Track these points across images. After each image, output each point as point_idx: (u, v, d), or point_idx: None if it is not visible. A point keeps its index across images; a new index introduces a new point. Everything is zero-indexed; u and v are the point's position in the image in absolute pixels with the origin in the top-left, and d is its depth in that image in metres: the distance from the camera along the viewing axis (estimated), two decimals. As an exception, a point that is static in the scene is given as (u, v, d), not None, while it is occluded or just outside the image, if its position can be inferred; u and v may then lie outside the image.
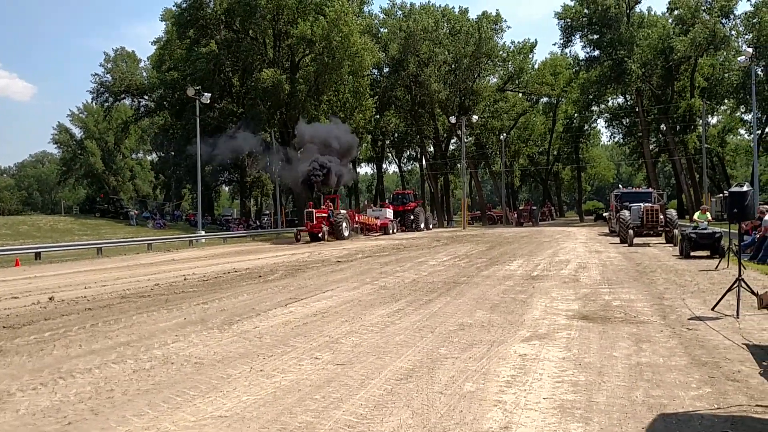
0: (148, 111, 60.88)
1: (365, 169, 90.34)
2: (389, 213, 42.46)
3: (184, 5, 46.25)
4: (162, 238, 33.60)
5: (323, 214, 32.65)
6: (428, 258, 18.90)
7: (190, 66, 45.52)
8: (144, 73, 63.93)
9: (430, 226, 49.39)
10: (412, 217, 45.78)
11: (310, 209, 32.65)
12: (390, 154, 76.01)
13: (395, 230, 41.22)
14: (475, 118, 53.88)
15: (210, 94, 38.87)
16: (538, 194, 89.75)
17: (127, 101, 63.17)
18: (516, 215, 57.55)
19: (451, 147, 67.16)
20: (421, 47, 54.58)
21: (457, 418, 4.36)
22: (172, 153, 57.57)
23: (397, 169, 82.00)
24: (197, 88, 38.19)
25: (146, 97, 59.93)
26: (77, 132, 79.61)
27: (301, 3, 45.10)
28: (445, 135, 63.67)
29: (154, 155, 78.16)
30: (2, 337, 7.58)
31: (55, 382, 5.44)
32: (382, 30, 58.43)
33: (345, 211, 35.89)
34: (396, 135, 68.24)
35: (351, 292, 11.32)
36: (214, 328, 7.95)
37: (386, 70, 59.12)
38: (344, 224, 33.18)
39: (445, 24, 58.56)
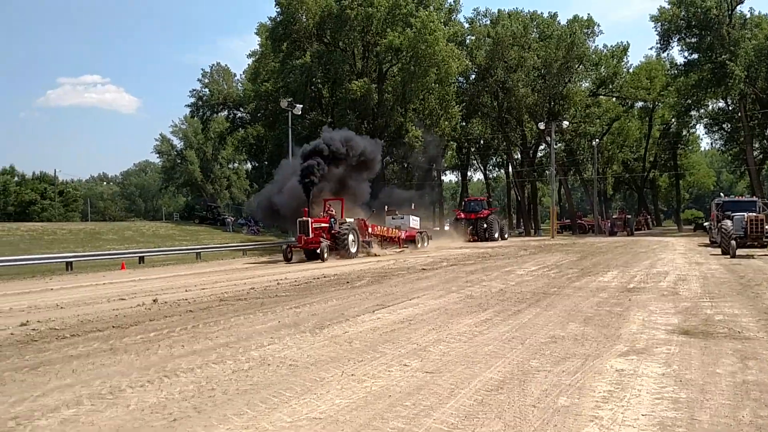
0: (243, 122, 63.50)
1: (450, 177, 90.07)
2: (415, 221, 35.44)
3: (278, 19, 48.01)
4: (254, 243, 34.96)
5: (322, 224, 25.59)
6: (515, 267, 18.56)
7: (283, 78, 47.18)
8: (239, 86, 66.75)
9: (506, 236, 45.48)
10: (485, 225, 41.81)
11: (304, 218, 24.82)
12: (475, 161, 75.34)
13: (426, 243, 34.18)
14: (565, 123, 52.50)
15: (301, 105, 40.07)
16: (632, 202, 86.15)
17: (224, 113, 66.15)
18: (609, 224, 55.15)
19: (540, 153, 65.72)
20: (509, 53, 53.89)
21: (550, 432, 4.27)
22: (266, 162, 59.72)
23: (482, 177, 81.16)
24: (289, 99, 39.51)
25: (241, 110, 62.55)
26: (178, 143, 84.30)
27: (389, 14, 45.78)
28: (533, 141, 62.44)
29: (249, 164, 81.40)
30: (112, 336, 8.13)
31: (161, 380, 5.78)
32: (468, 38, 58.18)
33: (353, 220, 27.48)
34: (482, 142, 67.57)
35: (437, 300, 11.31)
36: (307, 331, 8.17)
37: (473, 77, 58.78)
38: (350, 237, 25.83)
39: (534, 29, 57.53)
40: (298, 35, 47.39)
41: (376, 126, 46.33)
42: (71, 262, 22.86)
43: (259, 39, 56.76)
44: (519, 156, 64.78)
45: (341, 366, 6.24)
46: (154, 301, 11.87)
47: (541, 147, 64.76)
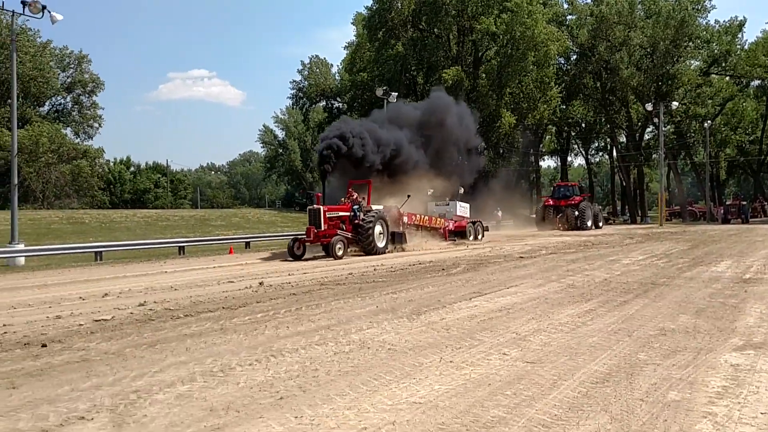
0: (340, 112, 64.77)
1: (548, 162, 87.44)
2: (464, 209, 29.39)
3: (374, 8, 48.41)
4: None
5: (340, 214, 21.21)
6: (621, 256, 17.79)
7: (379, 67, 47.57)
8: (337, 77, 68.02)
9: (600, 224, 41.04)
10: (576, 213, 37.89)
11: (315, 206, 20.82)
12: (576, 146, 72.68)
13: (481, 235, 28.96)
14: (674, 104, 49.42)
15: (396, 93, 40.24)
16: (748, 188, 79.92)
17: (322, 103, 67.69)
18: (722, 211, 51.56)
19: (647, 136, 62.35)
20: (613, 32, 51.38)
21: (661, 428, 4.07)
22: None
23: (583, 162, 78.16)
24: (384, 88, 39.76)
25: (338, 99, 63.76)
26: (280, 133, 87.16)
27: (485, -3, 44.99)
28: (639, 123, 59.33)
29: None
30: (223, 317, 8.58)
31: (268, 359, 6.03)
32: (569, 17, 56.02)
33: (381, 208, 22.72)
34: (583, 125, 65.04)
35: (536, 289, 11.06)
36: (404, 317, 8.25)
37: (573, 57, 56.60)
38: (377, 229, 21.22)
39: (640, 6, 54.49)
40: (393, 23, 47.54)
41: (470, 112, 45.79)
42: (183, 247, 24.36)
43: (356, 29, 57.48)
44: (624, 139, 61.83)
45: (439, 352, 6.25)
46: (260, 284, 12.42)
47: (648, 129, 61.43)
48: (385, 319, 8.12)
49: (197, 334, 7.34)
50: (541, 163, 74.38)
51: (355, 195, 22.13)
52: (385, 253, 21.19)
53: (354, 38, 59.08)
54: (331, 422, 4.25)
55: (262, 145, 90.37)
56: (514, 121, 44.65)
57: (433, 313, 8.59)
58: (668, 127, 56.51)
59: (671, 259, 16.47)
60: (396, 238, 22.64)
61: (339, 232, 20.49)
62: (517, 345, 6.55)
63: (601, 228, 39.97)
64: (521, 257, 17.98)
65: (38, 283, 14.29)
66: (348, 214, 21.37)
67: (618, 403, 4.58)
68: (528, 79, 46.04)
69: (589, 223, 38.53)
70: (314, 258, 20.03)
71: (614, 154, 64.85)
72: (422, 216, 25.82)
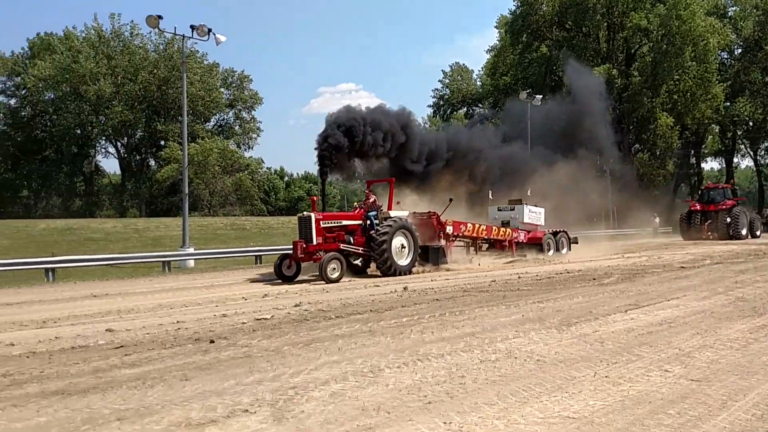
0: (481, 118, 64.33)
1: (711, 164, 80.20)
2: (534, 215, 23.15)
3: (517, 12, 47.68)
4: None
5: (346, 223, 17.03)
6: (800, 267, 15.88)
7: (522, 71, 46.69)
8: (478, 82, 67.69)
9: (758, 233, 34.92)
10: (728, 219, 32.64)
11: (305, 213, 16.50)
12: (743, 146, 66.02)
13: (566, 248, 23.08)
14: None
15: (540, 96, 39.18)
16: None
17: (463, 110, 67.67)
18: None
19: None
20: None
21: None
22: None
23: (752, 164, 70.73)
24: (528, 90, 38.87)
25: (480, 105, 63.39)
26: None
27: (636, -8, 42.61)
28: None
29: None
30: (370, 320, 8.84)
31: (415, 363, 6.11)
32: (731, 9, 51.31)
33: (406, 214, 17.84)
34: (751, 124, 58.96)
35: (701, 301, 10.18)
36: (552, 327, 7.97)
37: (738, 51, 51.67)
38: (397, 242, 16.65)
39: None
40: (537, 25, 46.46)
41: (622, 111, 43.38)
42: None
43: (498, 33, 56.90)
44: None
45: (593, 366, 5.96)
46: (404, 288, 12.65)
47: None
48: (532, 329, 7.91)
49: (348, 335, 7.63)
50: (703, 165, 68.55)
51: (372, 198, 17.76)
52: (409, 273, 16.61)
53: (497, 42, 58.48)
54: (480, 431, 4.22)
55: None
56: (672, 122, 41.56)
57: (584, 324, 8.21)
58: None
59: None
60: (432, 255, 17.99)
61: (343, 246, 16.19)
62: (680, 361, 6.08)
63: (758, 237, 34.53)
64: (682, 267, 16.66)
65: (206, 283, 15.66)
66: (358, 223, 17.05)
67: (804, 431, 4.09)
68: (686, 75, 42.74)
69: (744, 231, 33.23)
70: (309, 280, 16.02)
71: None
72: (477, 226, 20.38)
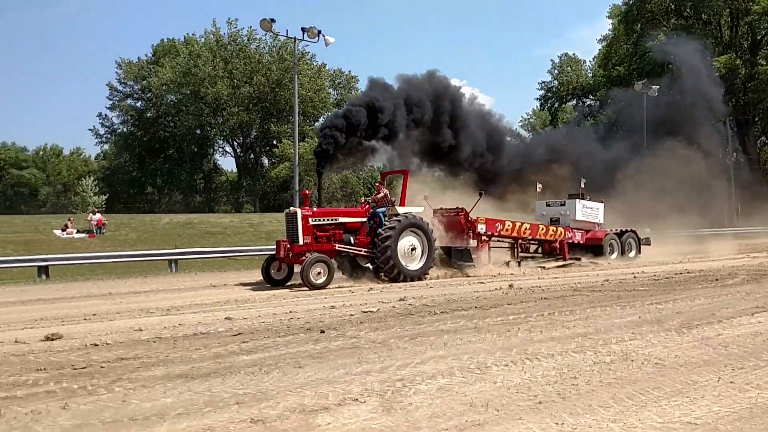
0: (591, 110, 61.83)
1: None
2: (590, 212, 19.97)
3: (631, 1, 45.45)
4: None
5: (343, 220, 14.89)
6: None
7: (637, 60, 44.42)
8: (588, 73, 65.10)
9: None
10: None
11: (292, 209, 14.79)
12: None
13: (634, 251, 20.01)
14: None
15: (657, 87, 37.08)
16: None
17: (572, 102, 65.36)
18: None
19: None
20: None
21: None
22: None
23: None
24: (643, 81, 36.91)
25: (590, 97, 60.95)
26: (526, 135, 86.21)
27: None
28: None
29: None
30: (475, 316, 8.75)
31: (523, 362, 5.98)
32: None
33: (420, 210, 15.42)
34: None
35: None
36: (672, 330, 7.52)
37: None
38: (406, 243, 14.62)
39: None
40: (653, 14, 43.97)
41: (746, 102, 40.12)
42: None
43: (611, 22, 54.42)
44: None
45: (716, 371, 5.56)
46: (510, 286, 12.42)
47: None
48: (650, 331, 7.50)
49: (453, 331, 7.60)
50: None
51: (383, 193, 15.46)
52: (421, 279, 14.58)
53: (609, 32, 55.93)
54: (595, 433, 4.06)
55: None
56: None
57: (706, 327, 7.68)
58: None
59: None
60: (455, 257, 15.80)
61: (339, 247, 14.29)
62: (820, 371, 5.54)
63: None
64: (820, 269, 15.18)
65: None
66: (361, 220, 15.00)
67: None
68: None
69: None
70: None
71: None
72: (518, 224, 17.65)
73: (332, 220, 14.64)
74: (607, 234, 19.42)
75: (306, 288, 13.10)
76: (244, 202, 61.52)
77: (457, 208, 16.59)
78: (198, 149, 62.51)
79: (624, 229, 20.01)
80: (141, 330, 8.22)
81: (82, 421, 4.40)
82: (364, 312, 9.33)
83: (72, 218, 29.70)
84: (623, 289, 11.79)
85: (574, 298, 10.61)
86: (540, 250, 18.93)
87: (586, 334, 7.35)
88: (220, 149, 65.80)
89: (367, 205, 15.43)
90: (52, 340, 7.45)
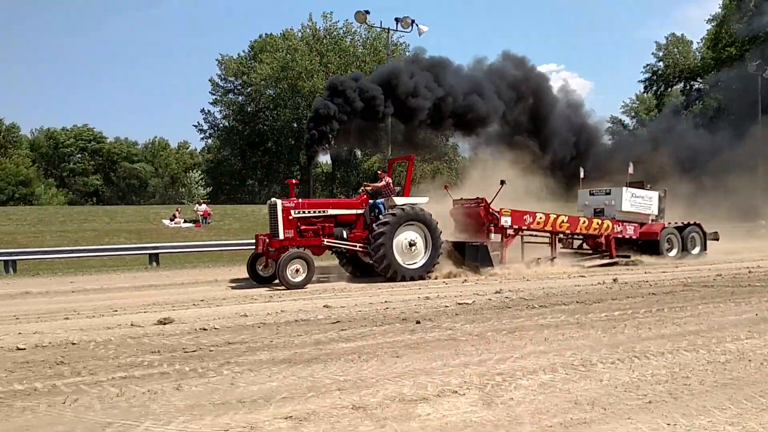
0: (700, 93, 58.06)
1: None
2: (644, 201, 17.33)
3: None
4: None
5: (333, 212, 13.51)
6: None
7: (750, 41, 41.24)
8: (697, 55, 61.12)
9: None
10: None
11: (272, 200, 13.46)
12: None
13: (698, 247, 17.43)
14: None
15: (775, 67, 34.25)
16: None
17: (679, 85, 61.65)
18: None
19: None
20: None
21: None
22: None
23: None
24: (757, 62, 34.18)
25: (699, 80, 57.25)
26: (629, 121, 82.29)
27: None
28: None
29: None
30: (577, 311, 8.47)
31: (631, 360, 5.71)
32: None
33: (425, 200, 13.96)
34: None
35: None
36: (796, 330, 6.95)
37: None
38: (404, 238, 13.15)
39: None
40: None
41: None
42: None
43: (721, 1, 50.79)
44: None
45: None
46: (614, 280, 11.95)
47: None
48: (769, 329, 6.97)
49: (553, 326, 7.39)
50: None
51: (384, 181, 14.07)
52: (422, 278, 13.11)
53: (719, 11, 52.22)
54: (712, 438, 3.82)
55: (610, 137, 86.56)
56: None
57: (837, 328, 7.04)
58: None
59: None
60: (470, 254, 14.04)
61: (328, 241, 13.10)
62: None
63: None
64: None
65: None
66: (356, 212, 13.64)
67: None
68: None
69: None
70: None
71: None
72: (553, 216, 15.31)
73: (320, 212, 13.34)
74: (664, 228, 16.96)
75: (398, 280, 12.68)
76: (338, 193, 62.78)
77: (478, 198, 14.75)
78: (295, 142, 64.30)
79: (686, 223, 17.44)
80: (246, 316, 8.58)
81: (194, 402, 4.64)
82: (459, 304, 9.26)
83: (179, 209, 31.46)
84: (737, 284, 11.04)
85: (684, 293, 10.02)
86: (585, 245, 17.07)
87: (699, 331, 6.93)
88: (316, 142, 67.35)
89: (365, 195, 14.00)
90: (165, 324, 7.93)
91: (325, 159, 72.87)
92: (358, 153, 64.47)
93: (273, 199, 13.44)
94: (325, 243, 13.03)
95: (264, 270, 13.19)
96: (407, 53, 59.59)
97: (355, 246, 13.16)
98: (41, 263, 18.43)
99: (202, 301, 10.40)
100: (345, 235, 13.21)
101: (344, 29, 59.19)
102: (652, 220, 17.33)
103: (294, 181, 13.98)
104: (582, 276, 12.94)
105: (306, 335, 7.09)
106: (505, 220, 14.50)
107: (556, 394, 4.69)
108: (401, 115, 17.19)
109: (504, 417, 4.20)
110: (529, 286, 11.52)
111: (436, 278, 13.33)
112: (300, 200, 13.33)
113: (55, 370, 5.64)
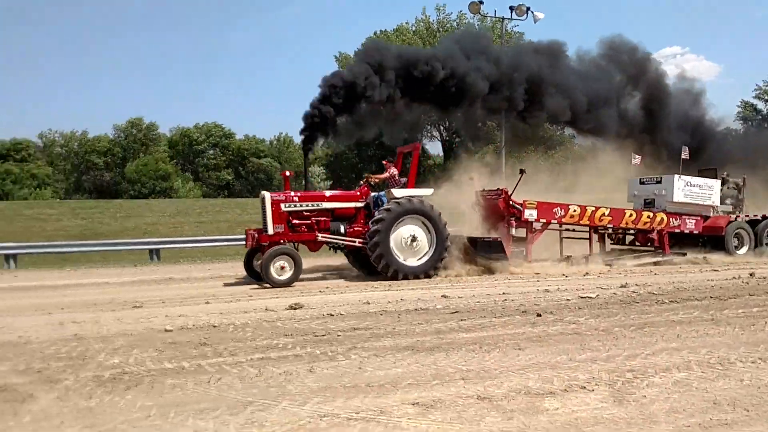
0: None
1: None
2: (703, 191, 14.86)
3: None
4: None
5: (327, 206, 12.46)
6: None
7: None
8: None
9: None
10: None
11: (262, 193, 12.72)
12: None
13: (759, 244, 14.80)
14: None
15: None
16: None
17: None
18: None
19: None
20: None
21: None
22: None
23: None
24: None
25: None
26: (762, 106, 75.25)
27: None
28: None
29: None
30: (711, 307, 8.00)
31: (782, 359, 5.35)
32: None
33: (430, 192, 12.93)
34: None
35: None
36: None
37: None
38: (402, 234, 12.09)
39: None
40: None
41: None
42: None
43: None
44: None
45: None
46: (750, 274, 11.23)
47: None
48: None
49: (686, 322, 7.04)
50: None
51: (389, 173, 13.08)
52: (425, 277, 12.08)
53: None
54: None
55: (741, 122, 79.58)
56: None
57: None
58: None
59: None
60: (482, 249, 12.81)
61: (323, 237, 12.11)
62: None
63: None
64: None
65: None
66: (356, 205, 12.66)
67: None
68: None
69: None
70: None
71: None
72: (591, 209, 13.56)
73: (314, 205, 12.35)
74: (731, 222, 14.76)
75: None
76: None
77: (499, 189, 13.43)
78: (408, 135, 64.90)
79: (762, 215, 15.22)
80: (368, 303, 8.88)
81: (326, 384, 4.89)
82: (582, 297, 9.02)
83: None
84: None
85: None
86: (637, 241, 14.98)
87: None
88: (428, 134, 67.55)
89: (367, 187, 13.06)
90: (295, 309, 8.38)
91: (436, 152, 73.17)
92: (470, 145, 63.97)
93: (263, 192, 12.67)
94: (319, 238, 12.11)
95: (260, 266, 11.90)
96: (522, 42, 58.30)
97: (354, 241, 12.24)
98: (182, 252, 19.91)
99: (327, 288, 10.91)
100: (343, 230, 12.34)
101: (457, 21, 58.72)
102: (725, 212, 15.34)
103: (289, 173, 13.25)
104: (715, 270, 12.14)
105: (426, 324, 7.23)
106: (530, 213, 13.09)
107: (692, 393, 4.50)
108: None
109: (637, 415, 4.09)
110: (657, 280, 10.98)
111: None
112: (291, 193, 12.36)
113: (200, 350, 6.14)
